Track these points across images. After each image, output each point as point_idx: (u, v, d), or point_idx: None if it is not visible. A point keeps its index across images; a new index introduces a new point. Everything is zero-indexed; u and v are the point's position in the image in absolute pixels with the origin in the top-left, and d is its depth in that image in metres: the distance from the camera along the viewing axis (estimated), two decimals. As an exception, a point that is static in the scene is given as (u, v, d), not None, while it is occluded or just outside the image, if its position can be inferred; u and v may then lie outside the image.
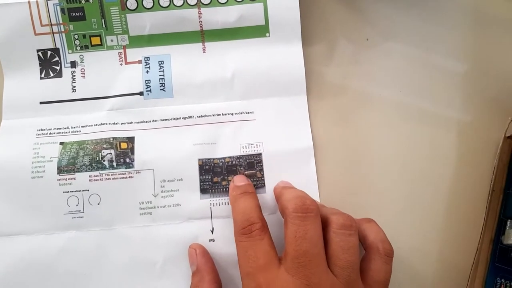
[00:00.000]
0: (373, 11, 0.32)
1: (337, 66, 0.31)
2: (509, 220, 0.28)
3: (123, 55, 0.30)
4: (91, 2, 0.30)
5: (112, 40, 0.30)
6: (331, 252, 0.23)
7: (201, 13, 0.30)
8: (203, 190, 0.29)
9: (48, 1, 0.30)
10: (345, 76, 0.31)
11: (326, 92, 0.31)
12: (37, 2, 0.30)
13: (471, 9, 0.32)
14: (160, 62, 0.30)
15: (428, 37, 0.32)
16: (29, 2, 0.30)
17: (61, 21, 0.30)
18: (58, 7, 0.30)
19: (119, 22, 0.30)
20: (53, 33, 0.30)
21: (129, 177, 0.28)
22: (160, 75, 0.30)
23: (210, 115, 0.30)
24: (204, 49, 0.31)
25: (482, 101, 0.31)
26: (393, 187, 0.29)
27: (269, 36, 0.30)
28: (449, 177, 0.30)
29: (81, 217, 0.28)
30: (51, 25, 0.30)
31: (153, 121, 0.30)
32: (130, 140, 0.29)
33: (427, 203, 0.29)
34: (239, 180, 0.28)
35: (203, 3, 0.30)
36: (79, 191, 0.28)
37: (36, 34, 0.30)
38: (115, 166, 0.28)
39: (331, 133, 0.30)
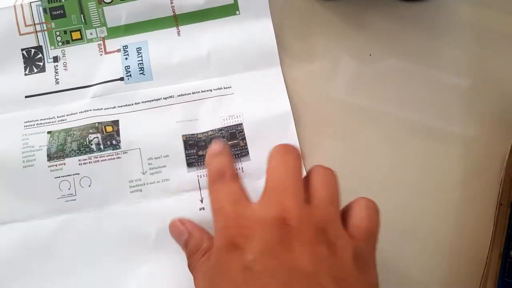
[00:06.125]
0: (375, 27, 0.33)
1: (340, 81, 0.31)
2: (517, 233, 0.27)
3: (102, 46, 0.32)
4: (70, 0, 0.32)
5: (91, 33, 0.32)
6: (311, 186, 0.22)
7: (172, -2, 0.32)
8: (189, 164, 0.29)
9: (31, 3, 0.32)
10: (348, 92, 0.31)
11: (329, 107, 0.31)
12: (21, 5, 0.32)
13: (472, 24, 0.32)
14: (138, 49, 0.32)
15: (430, 52, 0.32)
16: (14, 6, 0.31)
17: (43, 20, 0.32)
18: (41, 8, 0.32)
19: (97, 16, 0.32)
20: (36, 32, 0.32)
21: (117, 157, 0.29)
22: (139, 60, 0.32)
23: (189, 93, 0.31)
24: (178, 33, 0.32)
25: (485, 115, 0.30)
26: (397, 203, 0.29)
27: (239, 14, 0.32)
28: (455, 193, 0.29)
29: (74, 200, 0.29)
30: (35, 24, 0.32)
31: (135, 103, 0.31)
32: (115, 123, 0.30)
33: (433, 219, 0.29)
34: (214, 146, 0.26)
35: (173, -11, 0.32)
36: (70, 175, 0.29)
37: (20, 35, 0.32)
38: (102, 148, 0.29)
39: (335, 149, 0.30)
